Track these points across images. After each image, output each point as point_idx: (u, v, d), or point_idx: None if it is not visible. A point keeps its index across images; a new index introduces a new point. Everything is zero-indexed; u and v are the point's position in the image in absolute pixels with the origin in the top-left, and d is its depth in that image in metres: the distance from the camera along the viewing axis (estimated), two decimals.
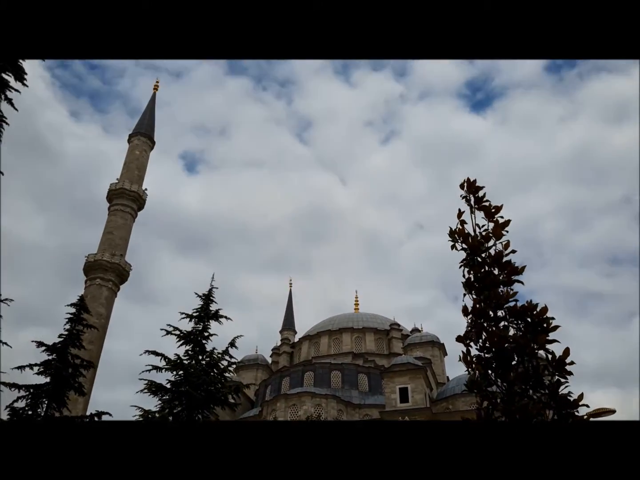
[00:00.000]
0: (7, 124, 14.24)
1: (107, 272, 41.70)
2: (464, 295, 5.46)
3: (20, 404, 21.45)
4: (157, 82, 56.02)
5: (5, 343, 20.42)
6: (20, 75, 14.04)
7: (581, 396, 4.54)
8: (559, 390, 4.58)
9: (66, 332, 23.78)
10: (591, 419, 7.26)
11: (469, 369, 5.19)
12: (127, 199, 45.70)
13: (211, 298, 23.45)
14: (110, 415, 21.61)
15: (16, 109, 14.47)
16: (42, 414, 21.02)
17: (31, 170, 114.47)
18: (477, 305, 5.23)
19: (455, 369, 52.64)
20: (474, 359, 5.14)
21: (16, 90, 14.03)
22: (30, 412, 20.90)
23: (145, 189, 47.67)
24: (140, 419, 19.86)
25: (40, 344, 22.92)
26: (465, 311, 5.32)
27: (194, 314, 22.87)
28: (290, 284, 75.90)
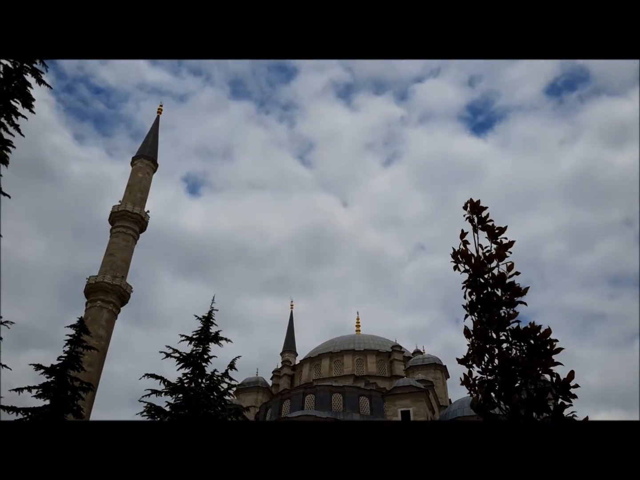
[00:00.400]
0: (13, 147, 14.39)
1: (108, 294, 41.56)
2: (466, 316, 5.43)
3: None
4: (161, 105, 56.86)
5: (5, 365, 20.29)
6: (28, 102, 14.21)
7: (586, 419, 4.49)
8: (564, 413, 4.54)
9: (65, 354, 23.62)
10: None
11: (471, 392, 5.14)
12: (129, 221, 45.81)
13: (211, 320, 23.36)
14: None
15: (23, 135, 14.63)
16: None
17: (35, 192, 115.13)
18: (479, 327, 5.20)
19: (457, 392, 52.16)
20: (476, 381, 5.10)
21: (23, 116, 14.17)
22: None
23: (148, 211, 47.85)
24: None
25: (38, 366, 22.73)
26: (467, 333, 5.29)
27: (194, 337, 22.76)
28: (292, 305, 75.64)
